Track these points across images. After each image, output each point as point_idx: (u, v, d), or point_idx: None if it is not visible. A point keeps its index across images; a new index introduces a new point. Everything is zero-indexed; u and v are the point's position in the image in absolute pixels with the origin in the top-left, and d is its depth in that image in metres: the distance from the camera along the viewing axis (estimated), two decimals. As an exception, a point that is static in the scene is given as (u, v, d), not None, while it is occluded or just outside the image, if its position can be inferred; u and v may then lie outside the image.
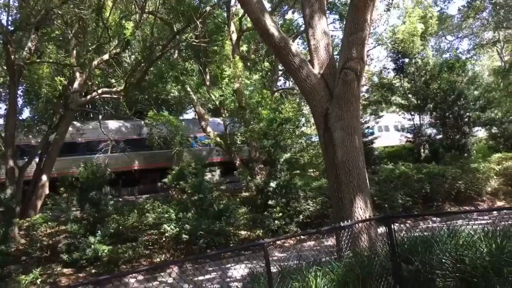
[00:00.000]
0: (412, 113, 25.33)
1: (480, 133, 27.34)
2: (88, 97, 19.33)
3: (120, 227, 14.57)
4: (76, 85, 18.44)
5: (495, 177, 18.93)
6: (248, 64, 25.64)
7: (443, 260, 5.91)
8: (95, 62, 18.20)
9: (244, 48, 24.97)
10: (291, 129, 19.76)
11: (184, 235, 13.83)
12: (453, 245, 6.07)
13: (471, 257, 5.67)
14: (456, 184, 17.73)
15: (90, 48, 18.51)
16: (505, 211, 7.40)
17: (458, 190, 17.76)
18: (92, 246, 12.79)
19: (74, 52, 18.79)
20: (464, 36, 36.63)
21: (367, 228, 7.37)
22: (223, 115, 22.42)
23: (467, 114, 23.74)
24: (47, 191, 17.74)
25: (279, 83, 32.37)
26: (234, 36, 22.54)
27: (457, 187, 17.73)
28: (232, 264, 10.47)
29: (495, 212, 8.87)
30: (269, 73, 28.34)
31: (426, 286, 6.05)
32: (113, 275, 8.93)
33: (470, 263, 5.62)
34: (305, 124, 24.37)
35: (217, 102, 22.04)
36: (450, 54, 34.21)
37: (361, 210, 7.61)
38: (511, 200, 18.11)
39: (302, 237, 14.71)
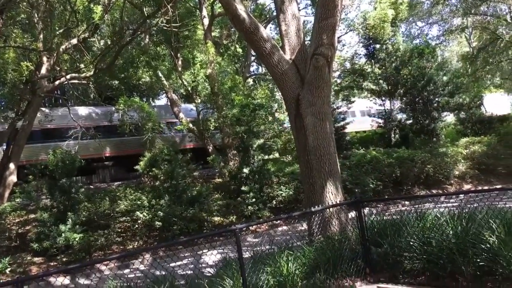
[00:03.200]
0: (383, 98, 25.65)
1: (449, 118, 27.89)
2: (56, 82, 18.82)
3: (92, 215, 14.39)
4: (43, 70, 17.91)
5: (462, 161, 19.41)
6: (220, 50, 25.42)
7: (411, 243, 6.07)
8: (63, 47, 17.70)
9: (216, 33, 24.69)
10: (264, 115, 19.76)
11: (157, 222, 13.76)
12: (421, 228, 6.24)
13: (438, 239, 5.84)
14: (425, 168, 18.12)
15: (58, 32, 17.98)
16: (471, 194, 7.61)
17: (427, 174, 18.15)
18: (63, 235, 12.60)
19: (41, 36, 18.22)
20: (433, 22, 37.14)
21: (337, 212, 7.48)
22: (196, 101, 22.24)
23: (436, 99, 24.17)
24: (15, 179, 17.33)
25: (251, 69, 32.28)
26: (206, 21, 22.25)
27: (426, 171, 18.13)
28: (205, 250, 10.49)
29: (462, 195, 9.12)
30: (241, 59, 28.19)
31: (395, 268, 6.22)
32: (83, 263, 8.82)
33: (436, 245, 5.78)
34: (278, 110, 24.41)
35: (190, 88, 21.82)
36: (420, 40, 34.69)
37: (332, 195, 7.72)
38: (478, 183, 18.65)
39: (275, 222, 14.83)
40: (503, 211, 5.76)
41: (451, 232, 5.85)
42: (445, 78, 25.03)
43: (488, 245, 5.33)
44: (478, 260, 5.38)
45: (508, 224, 5.48)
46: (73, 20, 17.70)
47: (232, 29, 26.35)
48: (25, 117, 17.97)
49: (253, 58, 29.64)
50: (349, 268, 6.28)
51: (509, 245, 5.13)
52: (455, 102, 25.53)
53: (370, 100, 26.98)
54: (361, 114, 32.47)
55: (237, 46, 26.53)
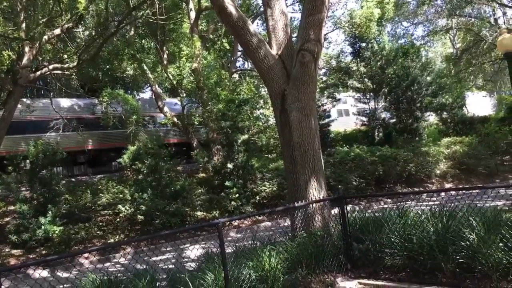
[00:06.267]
0: (368, 97, 25.80)
1: (432, 117, 28.22)
2: (38, 72, 18.51)
3: (72, 208, 14.23)
4: (25, 60, 17.58)
5: (444, 160, 19.66)
6: (207, 44, 25.27)
7: (392, 239, 6.11)
8: (45, 37, 17.39)
9: (202, 27, 24.49)
10: (249, 111, 19.73)
11: (139, 216, 13.67)
12: (402, 225, 6.28)
13: (419, 236, 5.89)
14: (407, 167, 18.32)
15: (41, 22, 17.66)
16: (452, 192, 7.68)
17: (409, 172, 18.35)
18: (43, 227, 12.45)
19: (24, 25, 17.88)
20: (419, 23, 37.41)
21: (321, 208, 7.50)
22: (181, 95, 22.08)
23: (420, 99, 24.35)
24: (-6, 170, 17.02)
25: (238, 64, 32.16)
26: (193, 15, 22.06)
27: (408, 170, 18.33)
28: (188, 245, 10.46)
29: (443, 193, 9.21)
30: (228, 54, 28.08)
31: (376, 264, 6.27)
32: (65, 254, 8.72)
33: (417, 242, 5.83)
34: (263, 106, 24.39)
35: (175, 82, 21.65)
36: (405, 40, 34.97)
37: (316, 191, 7.73)
38: (459, 183, 18.91)
39: (258, 218, 14.85)
40: (483, 209, 5.82)
41: (431, 229, 5.90)
42: (428, 78, 25.25)
43: (468, 243, 5.39)
44: (458, 257, 5.44)
45: (487, 222, 5.55)
46: (56, 10, 17.41)
47: (219, 24, 26.20)
48: (5, 107, 17.62)
49: (239, 53, 29.52)
50: (331, 263, 6.31)
51: (488, 242, 5.19)
52: (438, 102, 25.82)
53: (355, 99, 27.10)
54: (347, 112, 32.65)
55: (224, 41, 26.38)
